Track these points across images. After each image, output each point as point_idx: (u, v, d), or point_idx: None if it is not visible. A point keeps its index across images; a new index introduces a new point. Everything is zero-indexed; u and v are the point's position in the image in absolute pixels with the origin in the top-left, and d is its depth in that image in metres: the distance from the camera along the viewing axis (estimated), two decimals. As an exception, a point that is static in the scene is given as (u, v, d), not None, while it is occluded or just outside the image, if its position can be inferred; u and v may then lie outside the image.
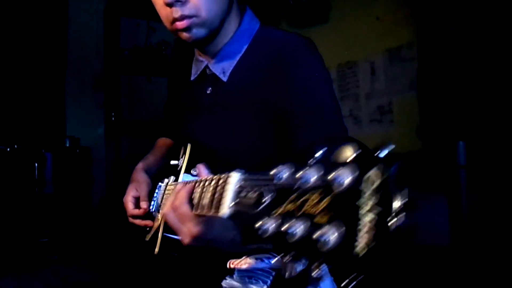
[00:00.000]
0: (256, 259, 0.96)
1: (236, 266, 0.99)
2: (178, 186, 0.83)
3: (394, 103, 2.74)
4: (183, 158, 1.11)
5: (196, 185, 0.79)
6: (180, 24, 0.97)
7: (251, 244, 0.83)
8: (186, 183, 0.82)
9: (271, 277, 0.94)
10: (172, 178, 1.13)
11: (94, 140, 3.18)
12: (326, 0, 3.10)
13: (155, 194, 1.19)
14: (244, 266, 0.98)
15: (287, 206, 0.48)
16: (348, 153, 0.44)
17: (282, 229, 0.46)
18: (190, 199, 0.78)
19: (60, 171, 2.63)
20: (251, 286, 0.93)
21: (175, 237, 1.07)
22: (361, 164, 0.42)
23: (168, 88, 1.41)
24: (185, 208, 0.77)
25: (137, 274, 1.13)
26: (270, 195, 0.51)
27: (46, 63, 3.04)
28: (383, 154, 0.43)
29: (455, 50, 2.29)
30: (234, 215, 0.59)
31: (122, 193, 1.21)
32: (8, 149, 2.38)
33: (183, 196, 0.78)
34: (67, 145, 2.85)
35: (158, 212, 1.13)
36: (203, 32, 1.00)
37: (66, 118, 3.16)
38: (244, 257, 0.98)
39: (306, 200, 0.46)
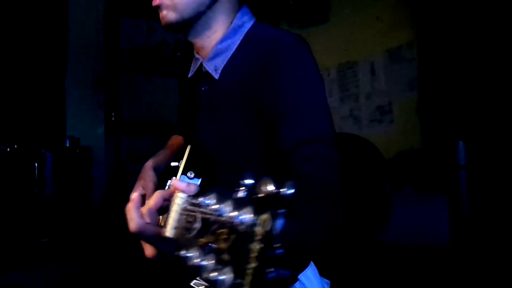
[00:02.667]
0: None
1: None
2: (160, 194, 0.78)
3: (394, 103, 2.74)
4: (182, 159, 1.10)
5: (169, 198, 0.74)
6: (154, 1, 1.00)
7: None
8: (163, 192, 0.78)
9: None
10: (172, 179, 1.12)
11: (94, 140, 3.18)
12: (326, 0, 3.10)
13: None
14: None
15: (209, 237, 0.45)
16: (262, 188, 0.41)
17: (196, 260, 0.45)
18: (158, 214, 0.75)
19: (60, 171, 2.63)
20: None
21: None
22: (260, 204, 0.40)
23: (179, 88, 1.40)
24: (146, 225, 0.75)
25: (134, 273, 1.12)
26: (198, 223, 0.49)
27: (46, 63, 3.04)
28: (284, 192, 0.40)
29: (455, 50, 2.29)
30: (176, 237, 0.58)
31: (122, 193, 1.21)
32: (8, 149, 2.38)
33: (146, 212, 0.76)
34: (67, 145, 2.85)
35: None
36: (173, 17, 1.00)
37: (66, 118, 3.16)
38: None
39: (220, 234, 0.43)
